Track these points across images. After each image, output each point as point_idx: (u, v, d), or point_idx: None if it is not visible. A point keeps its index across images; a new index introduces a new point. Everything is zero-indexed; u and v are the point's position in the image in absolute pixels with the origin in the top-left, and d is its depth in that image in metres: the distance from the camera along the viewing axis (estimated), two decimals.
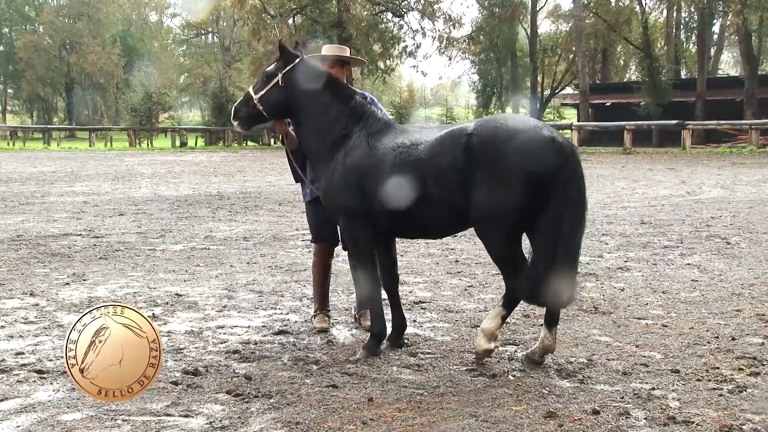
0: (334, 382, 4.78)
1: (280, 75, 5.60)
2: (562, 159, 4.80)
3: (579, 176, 4.90)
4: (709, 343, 5.65)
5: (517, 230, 4.99)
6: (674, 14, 52.36)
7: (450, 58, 56.45)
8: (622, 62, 65.77)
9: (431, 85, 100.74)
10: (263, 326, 6.24)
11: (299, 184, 6.32)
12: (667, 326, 6.12)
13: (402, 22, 51.07)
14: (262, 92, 5.61)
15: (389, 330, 5.67)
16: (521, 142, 4.81)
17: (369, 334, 5.62)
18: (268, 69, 5.70)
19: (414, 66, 52.41)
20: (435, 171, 5.03)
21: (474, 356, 5.25)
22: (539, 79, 58.08)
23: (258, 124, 5.90)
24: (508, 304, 5.16)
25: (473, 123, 5.15)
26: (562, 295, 4.89)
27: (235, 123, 5.83)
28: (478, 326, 6.08)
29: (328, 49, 6.20)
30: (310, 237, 6.60)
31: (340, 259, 6.58)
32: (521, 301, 5.24)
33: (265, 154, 38.39)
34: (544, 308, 5.16)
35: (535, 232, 4.88)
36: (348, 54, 6.30)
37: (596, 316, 6.49)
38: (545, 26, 63.65)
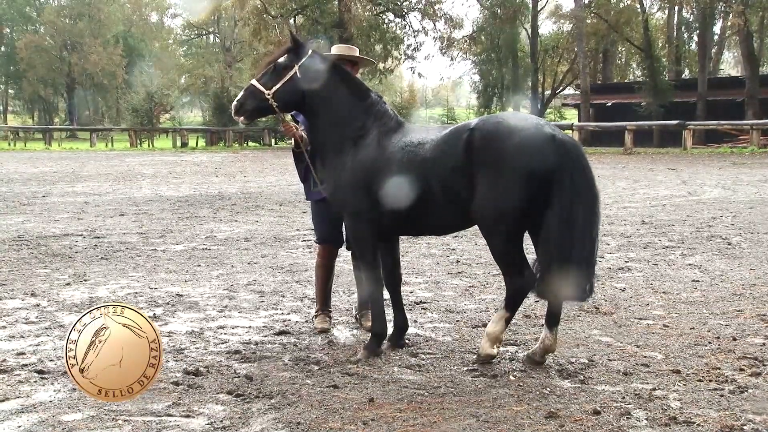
0: (335, 383, 4.78)
1: (296, 67, 5.53)
2: (563, 156, 4.79)
3: (584, 170, 4.89)
4: (710, 343, 5.64)
5: (519, 228, 4.99)
6: (675, 14, 52.36)
7: (452, 59, 56.54)
8: (623, 62, 65.74)
9: (432, 86, 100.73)
10: (264, 326, 6.24)
11: (304, 183, 6.27)
12: (668, 326, 6.12)
13: (403, 23, 51.12)
14: (278, 85, 5.51)
15: (390, 330, 5.68)
16: (521, 140, 4.82)
17: (370, 335, 5.62)
18: (279, 61, 5.58)
19: (411, 67, 52.35)
20: (439, 169, 5.04)
21: (475, 357, 5.25)
22: (540, 79, 58.10)
23: (262, 118, 5.82)
24: (511, 306, 5.14)
25: (476, 120, 5.17)
26: (577, 291, 4.87)
27: (241, 117, 5.69)
28: (480, 327, 6.10)
29: (337, 49, 6.19)
30: (314, 238, 6.59)
31: (341, 260, 6.57)
32: (523, 301, 5.25)
33: (266, 155, 38.39)
34: (548, 305, 5.15)
35: (544, 229, 4.84)
36: (357, 54, 6.29)
37: (597, 316, 6.49)
38: (546, 26, 63.77)
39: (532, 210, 4.84)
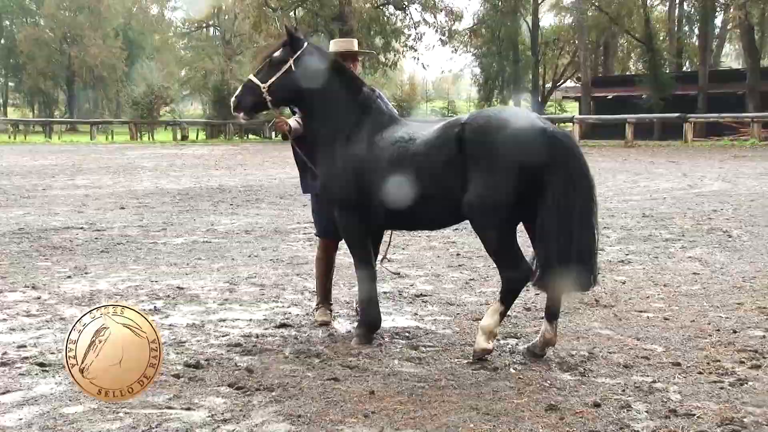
0: (335, 375, 4.78)
1: (291, 61, 5.55)
2: (555, 148, 4.77)
3: (578, 159, 4.86)
4: (710, 336, 5.65)
5: (511, 222, 4.99)
6: (676, 7, 52.26)
7: (455, 50, 56.44)
8: (625, 54, 65.63)
9: (433, 78, 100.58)
10: (265, 319, 6.24)
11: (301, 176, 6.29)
12: (668, 319, 6.12)
13: (403, 15, 51.07)
14: (273, 79, 5.53)
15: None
16: (511, 133, 4.82)
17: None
18: (275, 55, 5.62)
19: (415, 57, 52.37)
20: (430, 164, 5.05)
21: (472, 353, 5.24)
22: (541, 72, 58.04)
23: (262, 112, 5.87)
24: (506, 299, 5.13)
25: (467, 115, 5.19)
26: (580, 281, 4.86)
27: (240, 114, 5.74)
28: (480, 320, 6.09)
29: (335, 45, 6.21)
30: (314, 231, 6.60)
31: (342, 253, 6.58)
32: (520, 293, 5.24)
33: (266, 147, 38.38)
34: (547, 298, 5.15)
35: (542, 221, 4.83)
36: (356, 47, 6.29)
37: (597, 309, 6.49)
38: (547, 19, 63.64)
39: (524, 203, 4.85)
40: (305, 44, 5.63)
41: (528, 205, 4.86)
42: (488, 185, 4.82)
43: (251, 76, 5.67)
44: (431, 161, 5.05)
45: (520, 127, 4.84)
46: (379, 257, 6.16)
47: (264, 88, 5.54)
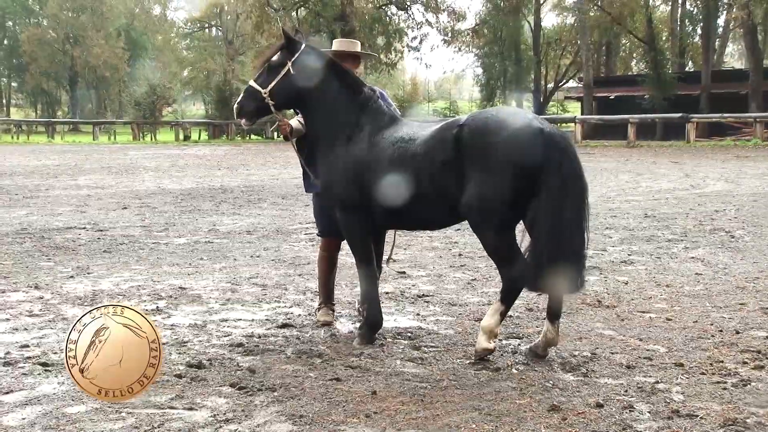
0: (337, 376, 4.78)
1: (290, 64, 5.56)
2: (551, 148, 4.78)
3: (572, 160, 4.86)
4: (713, 336, 5.64)
5: (510, 221, 4.99)
6: (679, 7, 52.22)
7: (459, 49, 56.41)
8: (628, 54, 65.58)
9: (435, 79, 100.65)
10: (267, 319, 6.25)
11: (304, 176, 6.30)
12: (671, 320, 6.11)
13: (406, 15, 51.12)
14: (273, 84, 5.55)
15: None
16: (509, 134, 4.82)
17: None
18: (273, 60, 5.63)
19: (417, 58, 52.57)
20: (429, 165, 5.05)
21: (473, 353, 5.24)
22: (543, 72, 58.00)
23: (263, 117, 5.88)
24: (507, 298, 5.12)
25: (466, 116, 5.19)
26: (568, 283, 4.86)
27: (243, 120, 5.78)
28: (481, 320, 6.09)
29: (338, 44, 6.21)
30: (316, 231, 6.60)
31: (344, 253, 6.58)
32: (522, 293, 5.24)
33: (268, 148, 38.39)
34: (548, 298, 5.15)
35: (535, 221, 4.85)
36: (359, 48, 6.29)
37: (600, 309, 6.48)
38: (549, 19, 63.67)
39: (522, 203, 4.85)
40: (303, 46, 5.63)
41: (526, 205, 4.86)
42: (487, 186, 4.82)
43: (251, 82, 5.68)
44: (430, 162, 5.05)
45: (518, 127, 4.85)
46: (384, 257, 6.17)
47: (265, 92, 5.55)
